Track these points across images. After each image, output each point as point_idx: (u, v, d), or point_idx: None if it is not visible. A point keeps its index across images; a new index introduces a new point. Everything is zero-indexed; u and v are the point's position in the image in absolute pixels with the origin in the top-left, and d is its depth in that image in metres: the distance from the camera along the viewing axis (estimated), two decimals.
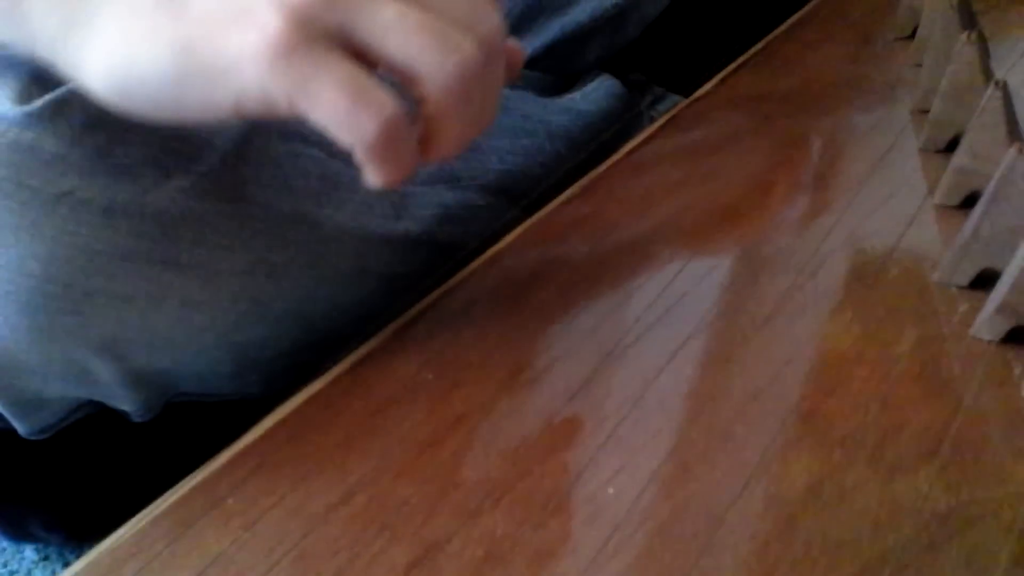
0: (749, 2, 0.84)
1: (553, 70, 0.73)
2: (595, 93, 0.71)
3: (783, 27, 0.75)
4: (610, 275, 0.48)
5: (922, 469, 0.35)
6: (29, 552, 0.56)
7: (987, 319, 0.40)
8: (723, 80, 0.67)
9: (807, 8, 0.78)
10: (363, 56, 0.34)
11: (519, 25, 0.72)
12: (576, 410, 0.40)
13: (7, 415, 0.46)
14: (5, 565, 0.58)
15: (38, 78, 0.42)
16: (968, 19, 0.53)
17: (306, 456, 0.40)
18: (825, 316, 0.43)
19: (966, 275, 0.43)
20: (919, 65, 0.61)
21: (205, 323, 0.46)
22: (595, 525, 0.34)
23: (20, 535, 0.59)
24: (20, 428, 0.47)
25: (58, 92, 0.41)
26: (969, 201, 0.47)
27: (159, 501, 0.40)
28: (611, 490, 0.36)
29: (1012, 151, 0.41)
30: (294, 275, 0.48)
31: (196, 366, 0.49)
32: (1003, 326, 0.40)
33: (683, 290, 0.46)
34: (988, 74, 0.50)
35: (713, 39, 0.81)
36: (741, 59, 0.71)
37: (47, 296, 0.41)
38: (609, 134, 0.70)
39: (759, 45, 0.73)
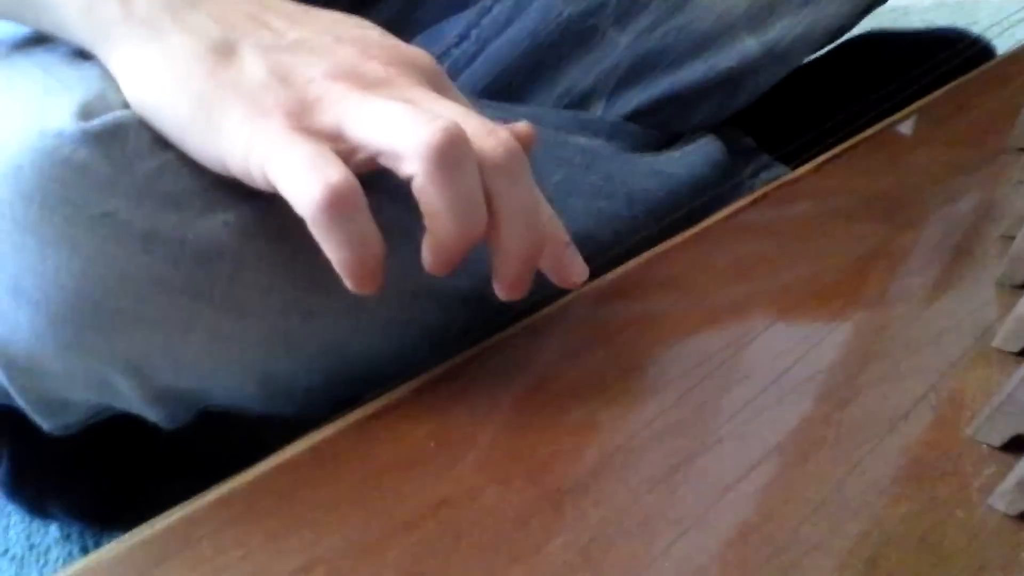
0: (871, 81, 0.81)
1: (658, 127, 0.72)
2: (692, 156, 0.70)
3: (899, 116, 0.72)
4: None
5: None
6: (54, 529, 0.58)
7: (1006, 491, 0.38)
8: (818, 167, 0.65)
9: (929, 98, 0.75)
10: (354, 154, 0.40)
11: (627, 78, 0.71)
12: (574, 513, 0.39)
13: (30, 413, 0.47)
14: (28, 537, 0.60)
15: (102, 96, 0.43)
16: None
17: (289, 511, 0.40)
18: (840, 456, 0.41)
19: (1000, 436, 0.41)
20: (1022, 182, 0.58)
21: (233, 355, 0.47)
22: None
23: (42, 514, 0.62)
24: (43, 425, 0.49)
25: (118, 115, 0.42)
26: None
27: (141, 528, 0.40)
28: None
29: None
30: (331, 320, 0.48)
31: (223, 390, 0.49)
32: (1022, 503, 0.38)
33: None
34: None
35: (830, 113, 0.78)
36: (845, 145, 0.68)
37: (75, 311, 0.42)
38: (697, 203, 0.68)
39: (868, 132, 0.70)
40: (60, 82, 0.44)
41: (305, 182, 0.38)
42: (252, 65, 0.42)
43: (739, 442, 0.42)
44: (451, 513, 0.39)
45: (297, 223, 0.44)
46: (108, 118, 0.42)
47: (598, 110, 0.71)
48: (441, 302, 0.52)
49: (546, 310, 0.54)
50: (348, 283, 0.41)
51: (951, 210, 0.60)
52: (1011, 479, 0.38)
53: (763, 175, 0.75)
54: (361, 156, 0.41)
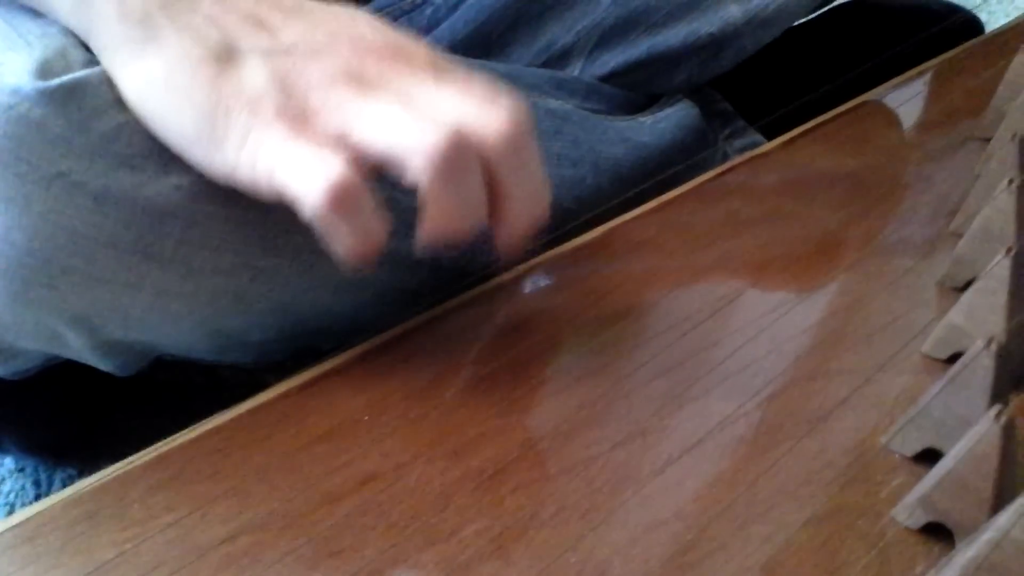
0: (857, 49, 0.81)
1: (636, 89, 0.72)
2: (664, 123, 0.70)
3: (878, 90, 0.72)
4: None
5: None
6: (8, 462, 0.60)
7: (909, 505, 0.39)
8: (789, 142, 0.65)
9: (910, 74, 0.75)
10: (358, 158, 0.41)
11: (607, 38, 0.71)
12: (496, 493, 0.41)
13: None
14: None
15: (63, 54, 0.44)
16: (1023, 161, 0.51)
17: (221, 476, 0.42)
18: (757, 455, 0.42)
19: (912, 447, 0.42)
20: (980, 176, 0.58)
21: (182, 312, 0.48)
22: None
23: None
24: None
25: (77, 75, 0.43)
26: (957, 359, 0.46)
27: (75, 485, 0.42)
28: None
29: (979, 343, 0.39)
30: (281, 281, 0.49)
31: (174, 343, 0.51)
32: (922, 518, 0.39)
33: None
34: (1020, 229, 0.48)
35: (813, 81, 0.78)
36: (820, 119, 0.68)
37: (25, 267, 0.43)
38: (667, 173, 0.68)
39: (845, 106, 0.70)
40: (21, 37, 0.45)
41: (309, 182, 0.39)
42: (253, 73, 0.43)
43: (660, 435, 0.43)
44: (376, 489, 0.41)
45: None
46: (67, 78, 0.43)
47: (576, 69, 0.71)
48: (393, 265, 0.53)
49: (501, 277, 0.55)
50: (346, 262, 0.43)
51: (909, 199, 0.60)
52: (915, 493, 0.39)
53: (737, 142, 0.75)
54: (364, 160, 0.42)
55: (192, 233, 0.45)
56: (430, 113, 0.41)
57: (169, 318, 0.48)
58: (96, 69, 0.43)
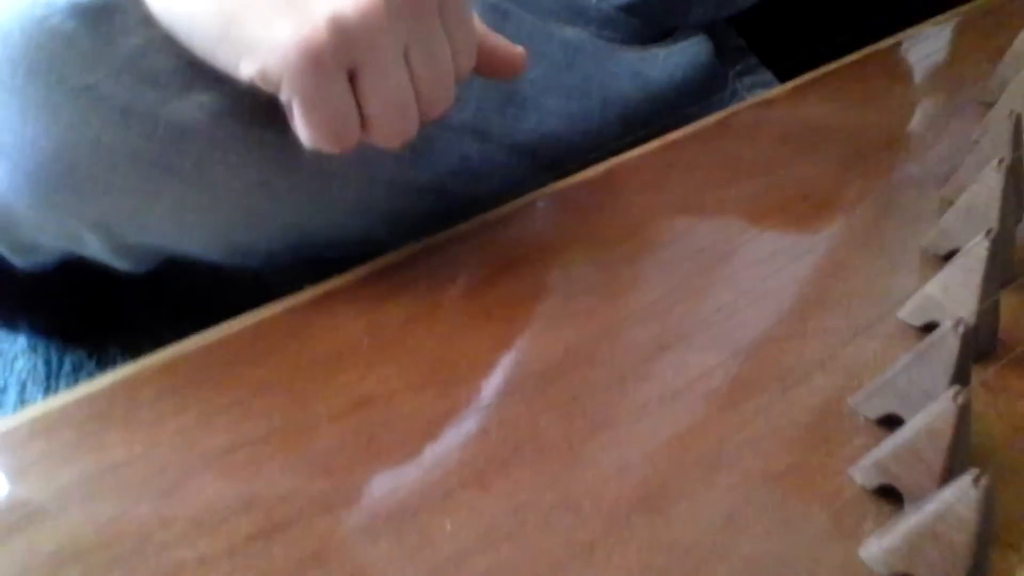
0: None
1: (652, 21, 0.73)
2: (676, 58, 0.71)
3: (887, 42, 0.73)
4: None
5: None
6: (22, 340, 0.63)
7: (865, 466, 0.42)
8: (795, 90, 0.67)
9: (924, 26, 0.76)
10: None
11: None
12: (482, 425, 0.43)
13: (3, 252, 0.51)
14: None
15: None
16: (1016, 140, 0.52)
17: (226, 388, 0.45)
18: (729, 410, 0.45)
19: (875, 411, 0.44)
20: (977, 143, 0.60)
21: (197, 223, 0.50)
22: (421, 558, 0.38)
23: (11, 329, 0.66)
24: (16, 263, 0.52)
25: None
26: (931, 329, 0.48)
27: (87, 383, 0.45)
28: (448, 524, 0.39)
29: (948, 323, 0.42)
30: (293, 201, 0.52)
31: (187, 248, 0.53)
32: (876, 480, 0.42)
33: None
34: (1004, 210, 0.50)
35: (828, 24, 0.79)
36: (827, 68, 0.70)
37: (50, 173, 0.45)
38: (671, 118, 0.69)
39: (854, 56, 0.71)
40: None
41: (288, 48, 0.41)
42: None
43: (639, 383, 0.45)
44: (369, 414, 0.43)
45: (268, 108, 0.46)
46: None
47: None
48: (399, 191, 0.55)
49: (503, 208, 0.57)
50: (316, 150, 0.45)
51: (905, 160, 0.62)
52: (872, 456, 0.42)
53: (747, 79, 0.76)
54: None
55: (211, 150, 0.47)
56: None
57: (184, 228, 0.50)
58: None
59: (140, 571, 0.36)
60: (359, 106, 0.44)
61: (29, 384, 0.60)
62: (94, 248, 0.50)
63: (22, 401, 0.58)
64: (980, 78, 0.69)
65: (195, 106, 0.46)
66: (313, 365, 0.45)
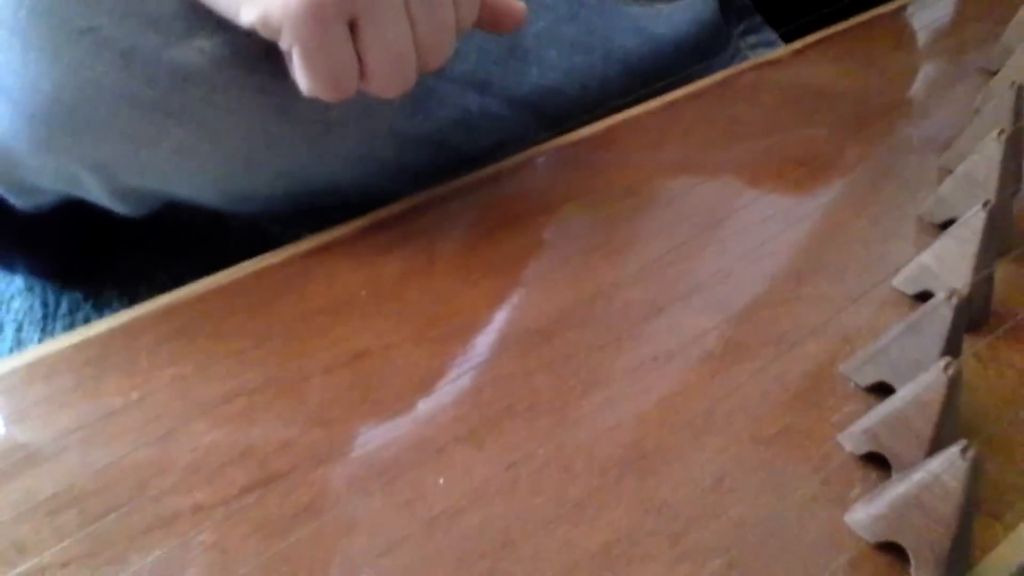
0: None
1: None
2: (681, 14, 0.71)
3: (893, 6, 0.73)
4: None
5: (710, 562, 0.38)
6: (19, 280, 0.63)
7: (854, 433, 0.42)
8: (799, 51, 0.67)
9: None
10: None
11: None
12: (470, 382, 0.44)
13: (3, 194, 0.51)
14: None
15: None
16: (1018, 111, 0.52)
17: (224, 337, 0.45)
18: (721, 373, 0.45)
19: (866, 378, 0.45)
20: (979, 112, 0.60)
21: (196, 169, 0.50)
22: (414, 512, 0.38)
23: (8, 269, 0.66)
24: (15, 204, 0.52)
25: None
26: (925, 297, 0.48)
27: (85, 328, 0.45)
28: (441, 480, 0.40)
29: (941, 294, 0.42)
30: (293, 147, 0.52)
31: (186, 192, 0.53)
32: (864, 446, 0.42)
33: None
34: (1003, 181, 0.50)
35: None
36: (832, 30, 0.69)
37: (51, 115, 0.45)
38: (674, 76, 0.69)
39: (860, 18, 0.71)
40: None
41: (296, 3, 0.41)
42: None
43: (634, 343, 0.46)
44: (365, 367, 0.44)
45: (269, 56, 0.46)
46: None
47: None
48: (398, 142, 0.55)
49: (503, 163, 0.57)
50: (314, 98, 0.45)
51: (906, 126, 0.62)
52: (861, 423, 0.43)
53: (751, 37, 0.76)
54: None
55: (211, 96, 0.47)
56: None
57: (183, 172, 0.50)
58: None
59: (136, 518, 0.37)
60: (359, 55, 0.44)
61: (26, 324, 0.60)
62: (93, 191, 0.50)
63: (19, 342, 0.59)
64: (984, 44, 0.68)
65: (196, 51, 0.46)
66: (310, 316, 0.46)
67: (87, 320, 0.58)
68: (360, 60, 0.44)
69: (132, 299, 0.58)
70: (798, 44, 0.68)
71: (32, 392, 0.42)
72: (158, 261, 0.61)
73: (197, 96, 0.47)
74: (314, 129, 0.51)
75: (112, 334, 0.44)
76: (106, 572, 0.35)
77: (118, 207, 0.52)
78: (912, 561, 0.37)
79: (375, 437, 0.41)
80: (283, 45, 0.43)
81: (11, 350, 0.59)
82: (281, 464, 0.39)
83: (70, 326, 0.58)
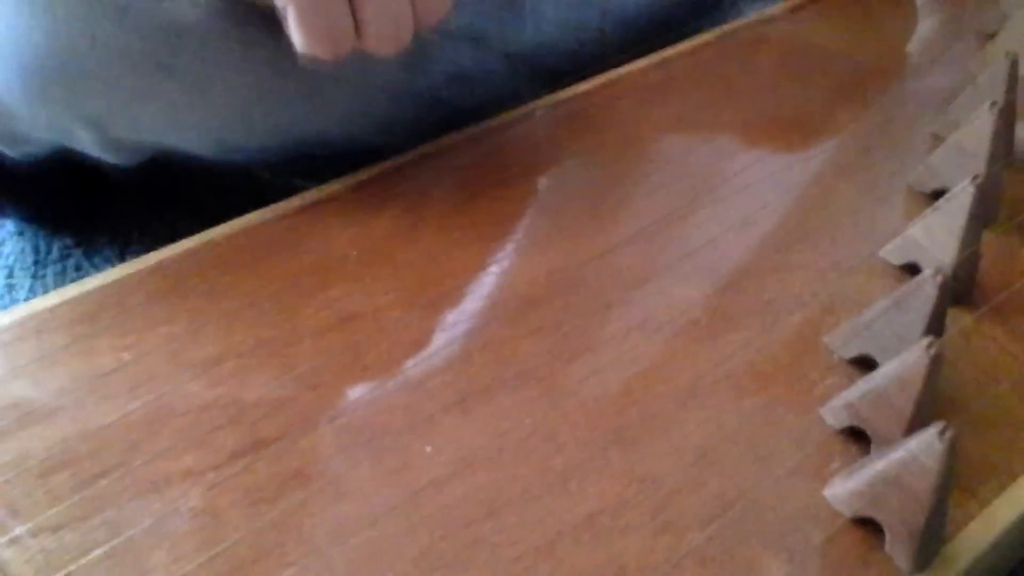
0: None
1: None
2: None
3: None
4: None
5: (690, 533, 0.39)
6: (9, 225, 0.63)
7: (835, 407, 0.43)
8: (795, 9, 0.66)
9: None
10: None
11: None
12: (464, 347, 0.44)
13: None
14: None
15: None
16: (1011, 83, 0.52)
17: (215, 296, 0.45)
18: (708, 342, 0.46)
19: (850, 352, 0.45)
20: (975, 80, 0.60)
21: (189, 122, 0.50)
22: (403, 474, 0.39)
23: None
24: (8, 153, 0.52)
25: None
26: (912, 269, 0.49)
27: (77, 283, 0.45)
28: (428, 448, 0.40)
29: (927, 272, 0.42)
30: (286, 103, 0.51)
31: (179, 146, 0.53)
32: (845, 421, 0.43)
33: None
34: (993, 153, 0.50)
35: None
36: None
37: (44, 68, 0.45)
38: (671, 31, 0.69)
39: None
40: None
41: None
42: None
43: (622, 311, 0.46)
44: (355, 329, 0.44)
45: (263, 10, 0.46)
46: None
47: None
48: (393, 96, 0.55)
49: (498, 118, 0.57)
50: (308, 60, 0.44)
51: (900, 91, 0.62)
52: (843, 398, 0.43)
53: None
54: None
55: (205, 50, 0.47)
56: None
57: (176, 125, 0.50)
58: None
59: (127, 481, 0.37)
60: (354, 14, 0.44)
61: (16, 269, 0.60)
62: (85, 142, 0.50)
63: (10, 287, 0.59)
64: (982, 7, 0.68)
65: (189, 5, 0.46)
66: (300, 277, 0.46)
67: (78, 267, 0.58)
68: (355, 18, 0.44)
69: (124, 245, 0.58)
70: (795, 1, 0.68)
71: (25, 349, 0.42)
72: (150, 207, 0.61)
73: (190, 50, 0.46)
74: (308, 83, 0.51)
75: (104, 291, 0.45)
76: (98, 536, 0.35)
77: (110, 158, 0.52)
78: (887, 536, 0.37)
79: (364, 403, 0.41)
80: (278, 3, 0.43)
81: (2, 294, 0.59)
82: (271, 430, 0.40)
83: (61, 272, 0.58)
